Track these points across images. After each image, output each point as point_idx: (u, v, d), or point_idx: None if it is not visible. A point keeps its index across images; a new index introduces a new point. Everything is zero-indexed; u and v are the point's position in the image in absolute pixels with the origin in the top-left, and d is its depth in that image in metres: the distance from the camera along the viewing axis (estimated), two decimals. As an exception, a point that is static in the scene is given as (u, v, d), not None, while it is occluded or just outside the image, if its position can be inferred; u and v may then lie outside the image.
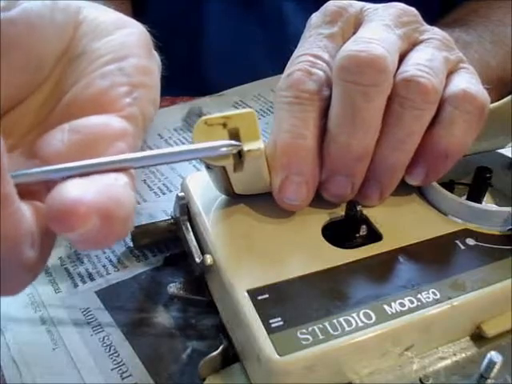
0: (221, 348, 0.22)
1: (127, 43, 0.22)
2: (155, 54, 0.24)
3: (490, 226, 0.26)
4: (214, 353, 0.22)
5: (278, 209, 0.26)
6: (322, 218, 0.26)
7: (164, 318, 0.26)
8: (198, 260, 0.25)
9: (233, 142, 0.22)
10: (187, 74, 0.51)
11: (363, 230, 0.26)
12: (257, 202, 0.27)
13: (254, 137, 0.23)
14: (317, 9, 0.31)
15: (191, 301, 0.25)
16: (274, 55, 0.40)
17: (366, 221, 0.26)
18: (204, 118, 0.23)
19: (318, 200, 0.27)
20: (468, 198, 0.28)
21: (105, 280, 0.28)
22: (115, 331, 0.25)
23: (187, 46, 0.57)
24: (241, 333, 0.22)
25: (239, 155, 0.23)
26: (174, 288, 0.25)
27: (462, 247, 0.25)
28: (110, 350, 0.24)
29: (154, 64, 0.23)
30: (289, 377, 0.20)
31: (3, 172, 0.14)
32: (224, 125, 0.23)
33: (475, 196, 0.28)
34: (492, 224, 0.26)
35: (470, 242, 0.25)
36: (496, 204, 0.29)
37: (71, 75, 0.20)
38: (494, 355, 0.21)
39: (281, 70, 0.28)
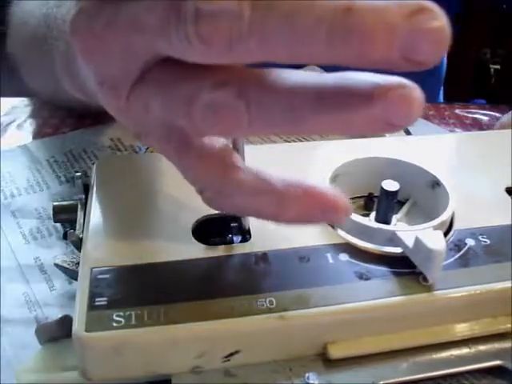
0: (59, 317, 0.23)
1: None
2: None
3: (373, 244, 0.24)
4: (52, 320, 0.23)
5: (159, 197, 0.27)
6: (193, 216, 0.26)
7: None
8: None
9: None
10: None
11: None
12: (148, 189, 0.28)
13: None
14: None
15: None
16: None
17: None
18: None
19: (189, 200, 0.26)
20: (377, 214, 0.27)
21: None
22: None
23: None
24: (74, 306, 0.23)
25: None
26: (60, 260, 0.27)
27: (331, 261, 0.24)
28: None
29: None
30: (94, 354, 0.21)
31: None
32: None
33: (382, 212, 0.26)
34: (373, 241, 0.24)
35: (343, 257, 0.24)
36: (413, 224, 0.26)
37: None
38: None
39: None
